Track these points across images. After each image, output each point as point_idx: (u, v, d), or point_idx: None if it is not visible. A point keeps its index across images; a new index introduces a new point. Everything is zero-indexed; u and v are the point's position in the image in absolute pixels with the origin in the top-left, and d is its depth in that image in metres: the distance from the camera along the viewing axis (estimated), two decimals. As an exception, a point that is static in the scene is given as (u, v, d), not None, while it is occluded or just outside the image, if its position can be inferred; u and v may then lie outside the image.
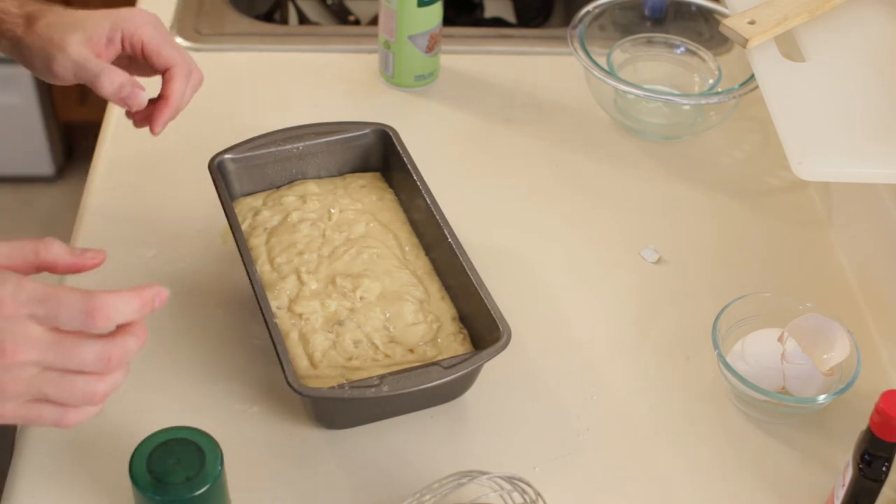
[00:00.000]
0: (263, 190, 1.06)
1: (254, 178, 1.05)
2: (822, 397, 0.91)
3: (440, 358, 0.90)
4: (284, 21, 1.61)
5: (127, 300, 0.67)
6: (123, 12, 0.93)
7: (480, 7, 1.63)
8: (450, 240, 0.97)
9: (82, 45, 0.89)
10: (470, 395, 0.95)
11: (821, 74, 0.88)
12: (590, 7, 1.26)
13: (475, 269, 0.94)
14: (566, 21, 1.50)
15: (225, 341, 0.98)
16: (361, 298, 0.95)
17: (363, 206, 1.04)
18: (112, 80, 0.88)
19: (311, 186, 1.06)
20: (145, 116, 0.93)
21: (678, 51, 1.28)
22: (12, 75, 2.23)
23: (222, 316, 1.00)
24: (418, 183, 1.02)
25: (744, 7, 0.93)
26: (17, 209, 2.42)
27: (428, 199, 1.00)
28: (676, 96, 1.22)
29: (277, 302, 0.95)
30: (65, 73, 0.90)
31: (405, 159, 1.04)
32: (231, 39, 1.34)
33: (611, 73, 1.20)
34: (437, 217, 0.99)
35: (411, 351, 0.92)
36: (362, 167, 1.09)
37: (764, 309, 0.98)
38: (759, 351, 0.93)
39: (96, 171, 1.15)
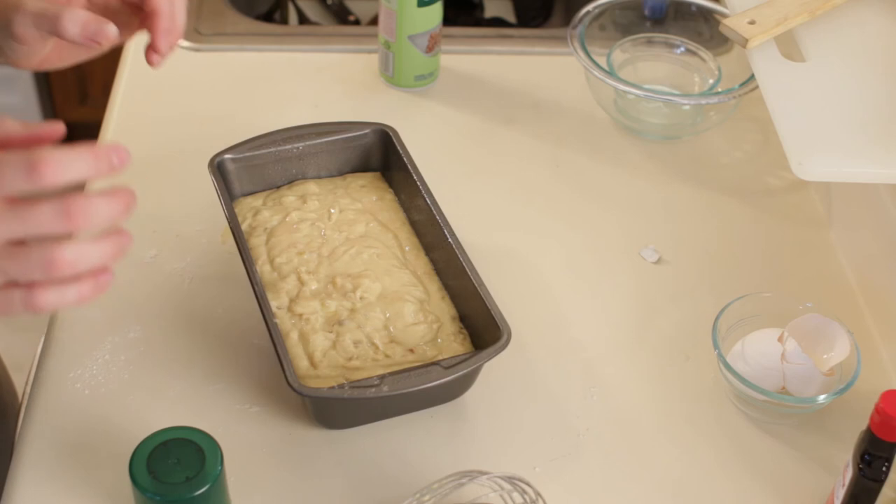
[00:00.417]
0: (263, 190, 1.06)
1: (254, 178, 1.05)
2: (822, 397, 0.91)
3: (440, 358, 0.90)
4: (284, 21, 1.61)
5: (77, 152, 0.60)
6: None
7: (480, 7, 1.63)
8: (450, 240, 0.97)
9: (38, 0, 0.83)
10: (470, 396, 0.95)
11: (821, 74, 0.88)
12: (590, 7, 1.26)
13: (475, 270, 0.94)
14: (566, 21, 1.50)
15: (225, 341, 0.98)
16: (361, 298, 0.95)
17: (363, 206, 1.04)
18: (74, 19, 0.80)
19: (311, 186, 1.06)
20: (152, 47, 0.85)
21: (678, 51, 1.28)
22: (12, 75, 2.24)
23: (222, 316, 1.00)
24: (418, 183, 1.02)
25: (744, 7, 0.93)
26: (17, 209, 2.42)
27: (428, 199, 1.00)
28: (676, 96, 1.22)
29: (277, 302, 0.95)
30: (26, 31, 0.82)
31: (405, 159, 1.04)
32: (231, 39, 1.34)
33: (611, 73, 1.20)
34: (437, 217, 0.99)
35: (411, 351, 0.92)
36: (362, 167, 1.09)
37: (764, 309, 0.97)
38: (759, 351, 0.93)
39: (96, 171, 1.15)
